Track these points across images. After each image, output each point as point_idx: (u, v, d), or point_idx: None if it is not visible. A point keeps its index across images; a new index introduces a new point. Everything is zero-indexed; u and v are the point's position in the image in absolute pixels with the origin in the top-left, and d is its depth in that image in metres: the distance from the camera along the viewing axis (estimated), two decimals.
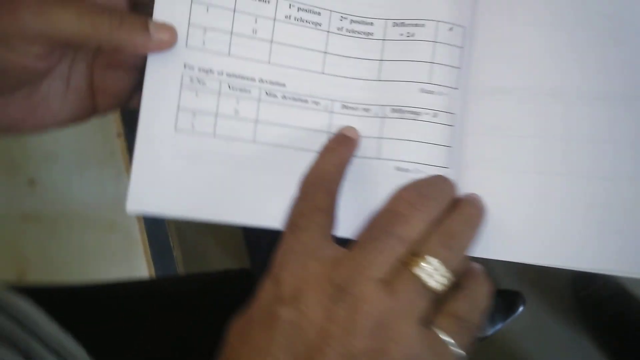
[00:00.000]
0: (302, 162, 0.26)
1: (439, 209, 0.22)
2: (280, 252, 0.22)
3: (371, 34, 0.27)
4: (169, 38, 0.24)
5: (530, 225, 0.24)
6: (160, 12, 0.25)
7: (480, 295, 0.21)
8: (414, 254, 0.20)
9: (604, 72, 0.23)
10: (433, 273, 0.20)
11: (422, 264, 0.20)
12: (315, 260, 0.21)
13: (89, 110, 0.27)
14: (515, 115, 0.24)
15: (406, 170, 0.26)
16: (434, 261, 0.20)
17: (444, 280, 0.20)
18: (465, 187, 0.26)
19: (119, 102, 0.27)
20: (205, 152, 0.26)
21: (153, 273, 0.68)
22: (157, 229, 0.74)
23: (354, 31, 0.27)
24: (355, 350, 0.19)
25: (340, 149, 0.25)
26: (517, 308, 0.63)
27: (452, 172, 0.26)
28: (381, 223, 0.21)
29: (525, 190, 0.24)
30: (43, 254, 0.70)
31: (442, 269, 0.20)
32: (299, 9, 0.26)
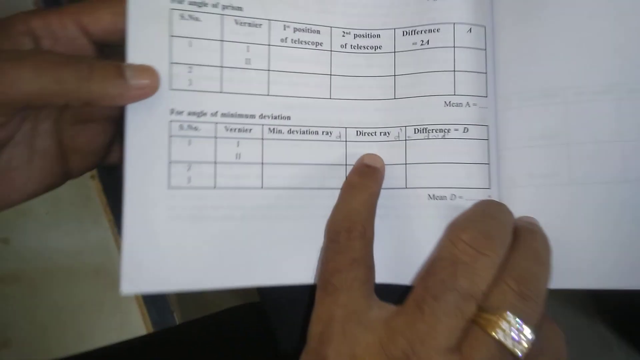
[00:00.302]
0: (321, 203, 0.23)
1: (505, 247, 0.18)
2: (319, 321, 0.19)
3: (379, 47, 0.24)
4: (150, 83, 0.21)
5: (597, 244, 0.21)
6: (136, 53, 0.21)
7: (560, 353, 0.18)
8: (487, 311, 0.17)
9: None
10: (514, 334, 0.17)
11: (500, 323, 0.16)
12: (364, 329, 0.18)
13: (61, 175, 0.23)
14: (561, 120, 0.21)
15: (441, 197, 0.23)
16: (514, 319, 0.17)
17: (528, 342, 0.17)
18: (511, 208, 0.23)
19: (95, 161, 0.24)
20: (207, 208, 0.22)
21: (146, 314, 0.64)
22: None
23: (359, 46, 0.24)
24: None
25: (366, 183, 0.22)
26: None
27: (494, 193, 0.23)
28: (440, 276, 0.18)
29: (586, 205, 0.21)
30: (26, 316, 0.67)
31: (525, 328, 0.17)
32: (295, 29, 0.23)
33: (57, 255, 0.67)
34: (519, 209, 0.22)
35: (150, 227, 0.21)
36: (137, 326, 0.66)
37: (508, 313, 0.17)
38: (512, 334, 0.16)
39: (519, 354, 0.17)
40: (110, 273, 0.67)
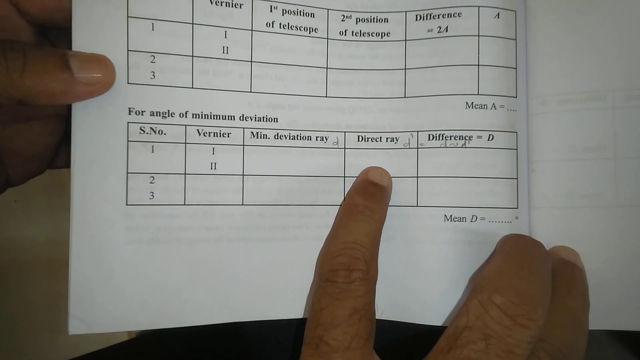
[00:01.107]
0: (314, 223, 0.20)
1: (545, 310, 0.16)
2: None
3: (387, 33, 0.20)
4: (102, 77, 0.17)
5: None
6: (83, 38, 0.18)
7: None
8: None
9: None
10: None
11: None
12: None
13: None
14: (609, 129, 0.18)
15: (460, 219, 0.20)
16: None
17: None
18: (541, 233, 0.19)
19: (40, 166, 0.21)
20: (175, 229, 0.19)
21: None
22: None
23: (362, 33, 0.20)
24: None
25: (371, 207, 0.19)
26: None
27: (522, 215, 0.20)
28: (467, 353, 0.15)
29: (634, 232, 0.18)
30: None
31: None
32: (284, 11, 0.19)
33: (28, 246, 0.66)
34: (552, 237, 0.19)
35: (104, 253, 0.18)
36: None
37: None
38: None
39: None
40: None
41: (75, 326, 0.18)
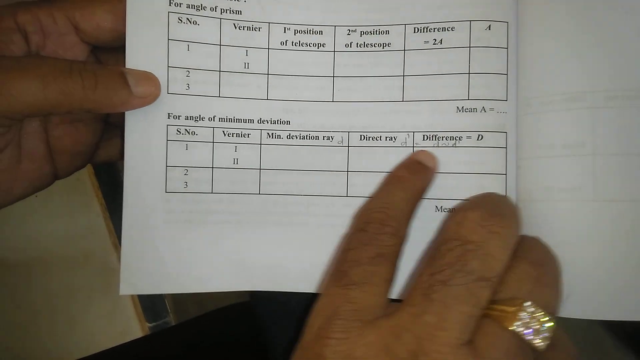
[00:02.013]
0: (320, 211, 0.23)
1: (518, 227, 0.18)
2: (321, 313, 0.18)
3: (388, 44, 0.24)
4: (153, 90, 0.22)
5: (620, 271, 0.20)
6: (134, 56, 0.23)
7: (570, 346, 0.17)
8: (502, 302, 0.16)
9: None
10: (535, 325, 0.16)
11: (519, 314, 0.16)
12: (368, 328, 0.17)
13: (49, 176, 0.24)
14: (588, 127, 0.20)
15: (450, 210, 0.22)
16: (534, 308, 0.16)
17: (549, 334, 0.16)
18: (526, 225, 0.22)
19: (83, 161, 0.25)
20: (204, 213, 0.23)
21: (137, 299, 0.65)
22: None
23: (366, 44, 0.24)
24: None
25: (414, 180, 0.21)
26: None
27: None
28: (448, 260, 0.17)
29: (611, 225, 0.20)
30: (15, 301, 0.69)
31: (546, 318, 0.16)
32: (295, 31, 0.24)
33: (47, 240, 0.68)
34: (535, 227, 0.21)
35: (148, 230, 0.23)
36: (128, 312, 0.67)
37: (527, 303, 0.16)
38: (533, 325, 0.16)
39: (543, 347, 0.16)
40: (100, 259, 0.68)
41: (125, 289, 0.23)
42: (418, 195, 0.21)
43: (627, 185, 0.20)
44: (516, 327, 0.16)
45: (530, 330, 0.16)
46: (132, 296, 0.66)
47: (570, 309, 0.20)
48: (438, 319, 0.16)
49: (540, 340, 0.16)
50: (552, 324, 0.16)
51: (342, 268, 0.19)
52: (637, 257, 0.19)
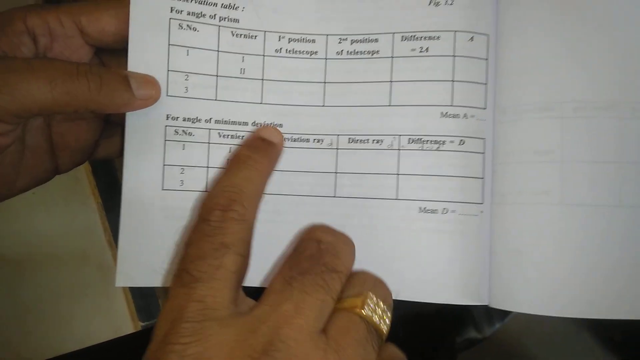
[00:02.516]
0: (309, 210, 0.25)
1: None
2: (166, 318, 0.17)
3: (377, 51, 0.26)
4: (154, 93, 0.24)
5: (583, 271, 0.22)
6: (136, 60, 0.24)
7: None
8: (350, 296, 0.19)
9: None
10: (379, 310, 0.19)
11: (366, 301, 0.19)
12: (220, 326, 0.17)
13: (51, 171, 0.25)
14: (557, 135, 0.22)
15: (433, 211, 0.24)
16: (376, 299, 0.19)
17: (389, 320, 0.19)
18: (500, 226, 0.23)
19: (83, 157, 0.27)
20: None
21: (130, 297, 0.67)
22: None
23: (356, 52, 0.26)
24: None
25: (255, 158, 0.22)
26: None
27: (486, 209, 0.24)
28: (307, 253, 0.20)
29: (575, 228, 0.22)
30: (10, 297, 0.70)
31: (387, 308, 0.19)
32: (290, 40, 0.25)
33: (43, 237, 0.68)
34: (507, 227, 0.23)
35: (145, 225, 0.25)
36: (121, 311, 0.68)
37: (371, 294, 0.19)
38: (378, 310, 0.19)
39: (384, 330, 0.19)
40: (95, 256, 0.68)
41: (121, 280, 0.25)
42: (263, 173, 0.22)
43: (593, 191, 0.22)
44: (364, 312, 0.18)
45: (376, 315, 0.19)
46: (126, 295, 0.67)
47: (538, 306, 0.21)
48: (295, 307, 0.17)
49: (383, 325, 0.19)
50: (390, 313, 0.19)
51: (182, 266, 0.18)
52: (600, 257, 0.21)
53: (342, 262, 0.20)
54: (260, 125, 0.26)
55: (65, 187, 0.68)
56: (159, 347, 0.17)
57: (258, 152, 0.22)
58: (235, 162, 0.22)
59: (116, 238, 0.25)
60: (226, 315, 0.17)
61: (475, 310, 0.47)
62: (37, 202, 0.68)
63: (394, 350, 0.19)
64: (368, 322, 0.18)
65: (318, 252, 0.19)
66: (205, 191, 0.25)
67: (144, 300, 0.64)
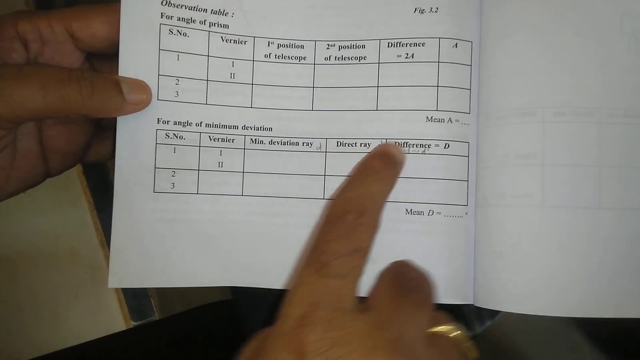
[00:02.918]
0: (298, 212, 0.26)
1: None
2: (301, 302, 0.19)
3: (364, 57, 0.26)
4: (145, 98, 0.25)
5: (565, 271, 0.22)
6: (127, 64, 0.25)
7: None
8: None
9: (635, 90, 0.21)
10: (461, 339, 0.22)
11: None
12: (351, 318, 0.19)
13: (41, 174, 0.26)
14: (538, 140, 0.23)
15: (419, 212, 0.25)
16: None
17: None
18: (483, 227, 0.24)
19: (74, 160, 0.27)
20: (190, 212, 0.26)
21: (122, 297, 0.67)
22: None
23: (344, 57, 0.26)
24: None
25: (388, 173, 0.23)
26: None
27: (470, 210, 0.25)
28: (409, 277, 0.22)
29: (556, 230, 0.23)
30: (2, 296, 0.71)
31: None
32: (279, 45, 0.26)
33: (35, 237, 0.70)
34: (490, 229, 0.24)
35: (137, 227, 0.25)
36: (114, 309, 0.68)
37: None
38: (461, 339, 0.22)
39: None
40: (87, 256, 0.69)
41: (113, 281, 0.25)
42: (391, 187, 0.23)
43: (573, 194, 0.22)
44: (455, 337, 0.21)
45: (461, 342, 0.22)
46: (118, 295, 0.67)
47: (519, 305, 0.22)
48: (410, 316, 0.20)
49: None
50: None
51: (322, 259, 0.20)
52: (580, 258, 0.22)
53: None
54: (251, 129, 0.26)
55: (56, 187, 0.68)
56: (297, 326, 0.18)
57: (390, 168, 0.24)
58: (369, 172, 0.23)
59: (108, 238, 0.25)
60: (354, 310, 0.19)
61: (466, 308, 0.49)
62: (29, 202, 0.69)
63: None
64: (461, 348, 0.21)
65: (420, 277, 0.22)
66: (197, 194, 0.26)
67: (137, 300, 0.64)
